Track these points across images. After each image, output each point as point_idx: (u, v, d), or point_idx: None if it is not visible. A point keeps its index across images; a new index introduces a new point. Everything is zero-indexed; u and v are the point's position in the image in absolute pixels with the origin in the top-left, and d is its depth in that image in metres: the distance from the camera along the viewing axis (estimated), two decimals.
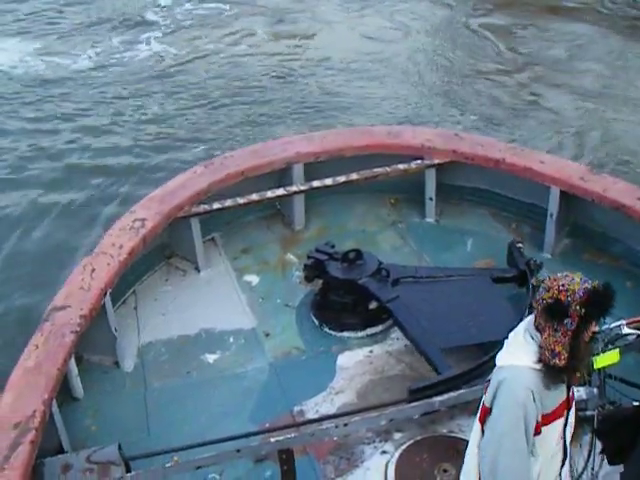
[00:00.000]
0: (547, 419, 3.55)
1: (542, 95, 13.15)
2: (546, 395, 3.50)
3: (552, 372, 3.45)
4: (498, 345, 3.69)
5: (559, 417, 3.62)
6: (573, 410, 3.79)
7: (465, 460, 3.78)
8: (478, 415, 3.67)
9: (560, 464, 3.79)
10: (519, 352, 3.54)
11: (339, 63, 14.55)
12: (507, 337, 3.66)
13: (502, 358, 3.60)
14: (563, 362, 3.42)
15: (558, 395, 3.58)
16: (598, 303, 3.39)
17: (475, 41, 15.31)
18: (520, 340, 3.57)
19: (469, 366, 5.46)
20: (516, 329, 3.64)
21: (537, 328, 3.50)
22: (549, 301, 3.40)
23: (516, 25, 15.87)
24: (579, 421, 4.40)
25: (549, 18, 16.09)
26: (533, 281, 6.16)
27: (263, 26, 16.40)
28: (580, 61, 14.41)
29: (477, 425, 3.67)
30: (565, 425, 3.70)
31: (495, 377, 3.56)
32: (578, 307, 3.36)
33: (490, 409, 3.54)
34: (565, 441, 3.75)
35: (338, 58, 14.73)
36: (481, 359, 5.43)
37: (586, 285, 3.38)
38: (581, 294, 3.36)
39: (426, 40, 15.56)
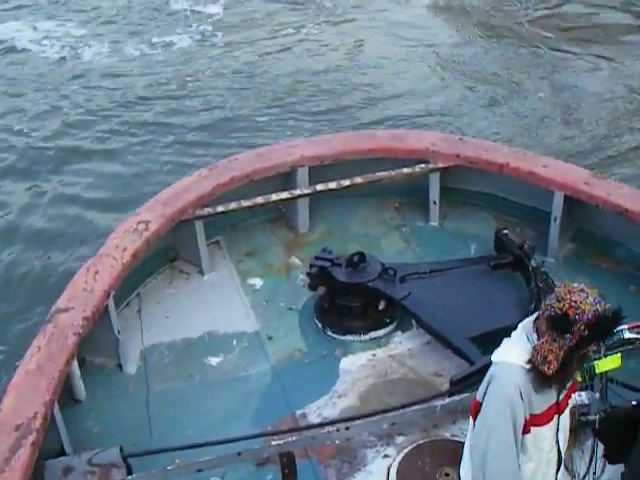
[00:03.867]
0: (536, 420, 3.58)
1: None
2: (534, 396, 3.53)
3: (539, 377, 3.48)
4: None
5: (548, 421, 3.64)
6: (566, 416, 3.81)
7: (463, 454, 3.84)
8: (471, 410, 3.71)
9: (555, 469, 3.81)
10: (513, 349, 3.58)
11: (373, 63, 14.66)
12: (522, 320, 3.68)
13: (496, 354, 3.64)
14: (551, 372, 3.43)
15: (547, 399, 3.60)
16: (603, 329, 3.39)
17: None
18: (517, 338, 3.61)
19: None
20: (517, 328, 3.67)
21: (537, 329, 3.51)
22: (557, 312, 3.39)
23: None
24: (581, 426, 4.41)
25: None
26: (533, 262, 6.33)
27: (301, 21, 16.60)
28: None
29: (471, 420, 3.72)
30: (557, 431, 3.72)
31: (488, 373, 3.61)
32: (582, 327, 3.35)
33: (481, 403, 3.59)
34: (559, 447, 3.76)
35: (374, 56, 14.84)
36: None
37: (597, 307, 3.36)
38: (589, 316, 3.34)
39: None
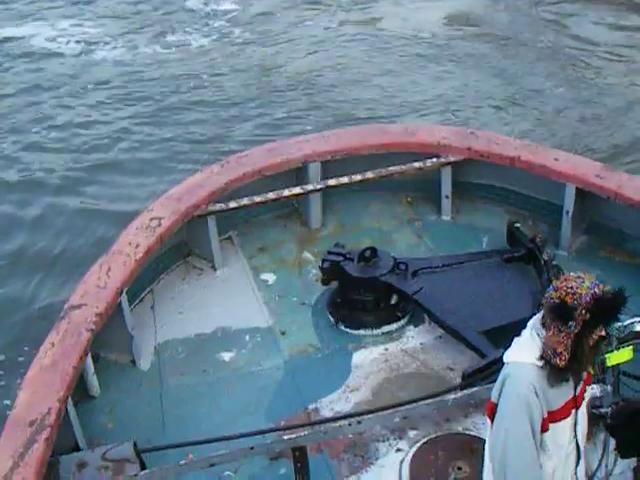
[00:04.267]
0: (553, 416, 3.57)
1: None
2: (550, 392, 3.52)
3: (554, 371, 3.47)
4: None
5: (566, 416, 3.63)
6: (584, 410, 3.80)
7: (485, 457, 3.81)
8: (486, 411, 3.70)
9: (575, 464, 3.80)
10: (524, 348, 3.58)
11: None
12: (534, 313, 3.68)
13: (509, 354, 3.64)
14: (563, 363, 3.43)
15: (564, 393, 3.59)
16: (604, 309, 3.38)
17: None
18: (527, 336, 3.61)
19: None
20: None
21: (543, 325, 3.51)
22: (556, 301, 3.40)
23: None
24: (594, 419, 4.39)
25: None
26: (545, 256, 6.27)
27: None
28: None
29: (488, 421, 3.71)
30: (575, 425, 3.71)
31: (501, 373, 3.60)
32: (583, 312, 3.35)
33: (496, 405, 3.58)
34: (577, 441, 3.76)
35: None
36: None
37: (595, 290, 3.37)
38: (587, 299, 3.35)
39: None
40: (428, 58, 14.65)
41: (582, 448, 3.81)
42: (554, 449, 3.64)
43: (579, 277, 3.43)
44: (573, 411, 3.67)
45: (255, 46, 15.36)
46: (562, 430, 3.65)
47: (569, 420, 3.66)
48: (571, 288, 3.38)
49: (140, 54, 15.18)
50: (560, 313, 3.39)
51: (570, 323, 3.38)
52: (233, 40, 15.73)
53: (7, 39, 15.99)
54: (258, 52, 15.08)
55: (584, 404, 3.80)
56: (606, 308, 3.38)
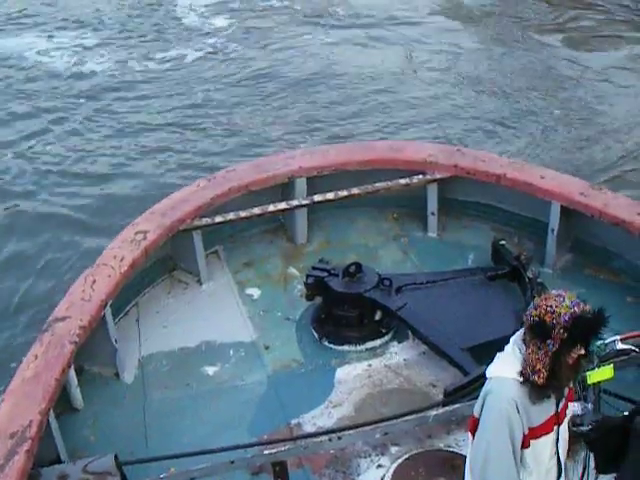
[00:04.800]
0: (534, 432, 3.57)
1: None
2: (532, 408, 3.53)
3: (534, 388, 3.48)
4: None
5: (548, 432, 3.64)
6: (565, 426, 3.81)
7: (465, 472, 3.80)
8: (468, 426, 3.71)
9: (555, 479, 3.80)
10: (506, 364, 3.59)
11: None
12: (518, 330, 3.67)
13: (491, 369, 3.65)
14: (542, 380, 3.44)
15: (545, 410, 3.60)
16: (582, 329, 3.39)
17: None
18: (509, 352, 3.62)
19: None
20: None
21: (524, 341, 3.52)
22: (535, 319, 3.42)
23: None
24: (574, 437, 4.40)
25: None
26: (530, 273, 6.30)
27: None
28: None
29: (469, 436, 3.72)
30: (557, 441, 3.72)
31: (484, 388, 3.61)
32: (561, 331, 3.37)
33: (478, 419, 3.59)
34: (559, 456, 3.77)
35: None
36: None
37: (575, 309, 3.38)
38: (566, 318, 3.36)
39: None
40: (421, 76, 14.72)
41: (563, 464, 3.82)
42: (534, 465, 3.64)
43: (559, 295, 3.45)
44: (555, 427, 3.68)
45: (248, 60, 15.39)
46: (543, 446, 3.65)
47: (551, 436, 3.67)
48: (550, 307, 3.39)
49: (132, 68, 15.17)
50: (539, 331, 3.40)
51: (548, 342, 3.39)
52: (227, 54, 15.74)
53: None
54: (251, 66, 15.11)
55: (566, 420, 3.81)
56: (585, 328, 3.39)
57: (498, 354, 3.70)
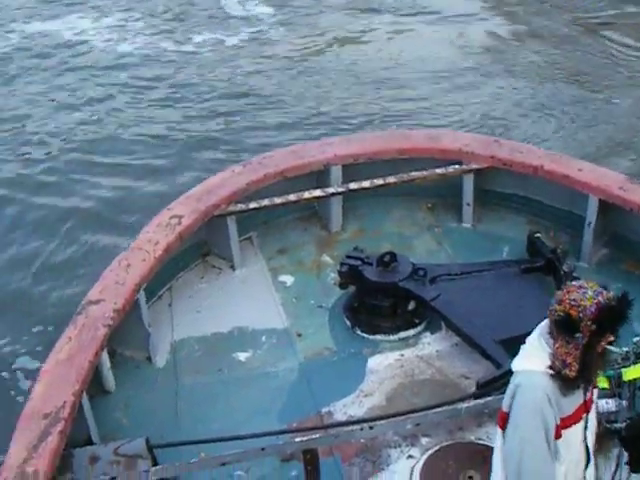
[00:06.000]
0: (566, 422, 3.55)
1: None
2: (562, 399, 3.50)
3: (565, 380, 3.45)
4: None
5: (578, 421, 3.62)
6: (593, 414, 3.79)
7: (492, 466, 3.78)
8: (497, 420, 3.68)
9: (583, 468, 3.79)
10: (533, 357, 3.55)
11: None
12: None
13: (518, 363, 3.62)
14: (574, 373, 3.41)
15: (575, 399, 3.58)
16: (610, 318, 3.35)
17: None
18: (535, 345, 3.59)
19: None
20: (532, 334, 3.63)
21: (550, 335, 3.48)
22: (560, 315, 3.38)
23: None
24: (608, 433, 4.37)
25: None
26: (565, 267, 6.22)
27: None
28: None
29: (498, 430, 3.69)
30: (585, 428, 3.69)
31: (511, 382, 3.58)
32: (589, 323, 3.34)
33: (508, 414, 3.55)
34: (587, 444, 3.74)
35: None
36: None
37: (599, 299, 3.34)
38: (592, 310, 3.33)
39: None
40: (462, 67, 14.61)
41: (591, 451, 3.79)
42: (566, 454, 3.62)
43: (581, 287, 3.41)
44: (584, 415, 3.65)
45: (288, 49, 15.37)
46: (573, 435, 3.63)
47: (580, 424, 3.65)
48: (574, 300, 3.36)
49: (168, 52, 15.26)
50: (566, 327, 3.38)
51: (577, 335, 3.36)
52: (267, 40, 15.78)
53: (39, 32, 16.17)
54: (290, 55, 15.09)
55: (593, 407, 3.78)
56: (612, 316, 3.35)
57: (523, 347, 3.67)
